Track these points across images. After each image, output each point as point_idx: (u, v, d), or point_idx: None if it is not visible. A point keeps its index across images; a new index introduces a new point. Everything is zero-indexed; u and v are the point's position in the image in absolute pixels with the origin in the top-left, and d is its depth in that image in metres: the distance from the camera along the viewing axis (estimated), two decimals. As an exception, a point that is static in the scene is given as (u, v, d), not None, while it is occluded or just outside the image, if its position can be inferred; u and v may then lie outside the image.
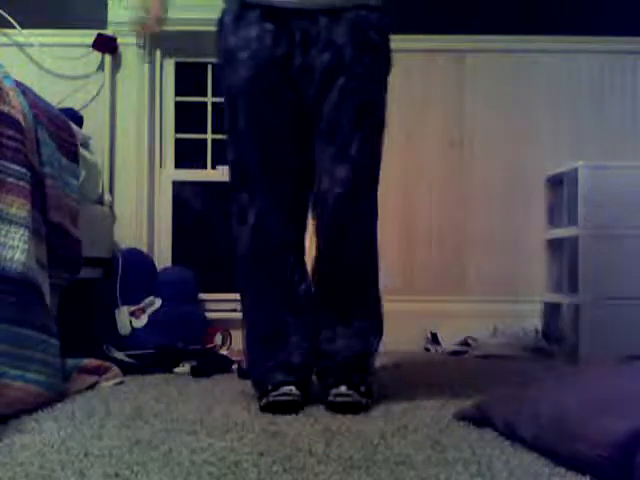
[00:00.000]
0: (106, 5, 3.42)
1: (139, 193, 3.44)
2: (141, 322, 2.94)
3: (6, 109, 2.00)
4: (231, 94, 1.96)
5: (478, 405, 1.65)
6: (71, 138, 2.58)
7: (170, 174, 3.58)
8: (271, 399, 1.82)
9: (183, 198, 3.66)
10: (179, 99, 3.61)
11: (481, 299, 3.41)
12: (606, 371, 1.75)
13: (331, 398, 1.85)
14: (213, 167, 3.61)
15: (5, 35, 3.37)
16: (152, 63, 3.48)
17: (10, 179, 1.93)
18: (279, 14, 1.90)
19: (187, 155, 3.64)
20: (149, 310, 2.98)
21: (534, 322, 3.33)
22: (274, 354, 1.95)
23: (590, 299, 2.92)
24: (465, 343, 3.25)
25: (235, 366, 2.56)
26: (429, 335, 3.34)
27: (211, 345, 3.09)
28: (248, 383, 2.05)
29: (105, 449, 1.39)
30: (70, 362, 2.13)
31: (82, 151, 2.78)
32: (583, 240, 2.96)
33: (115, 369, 2.32)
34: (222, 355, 2.84)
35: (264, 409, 1.81)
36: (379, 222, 2.00)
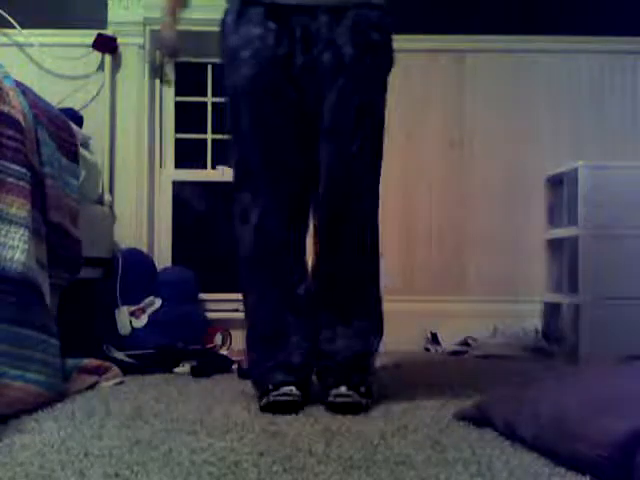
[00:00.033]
0: (106, 5, 3.42)
1: (139, 193, 3.44)
2: (141, 322, 2.94)
3: (6, 109, 2.00)
4: (233, 94, 1.96)
5: (478, 405, 1.65)
6: (71, 138, 2.58)
7: (170, 174, 3.58)
8: (271, 399, 1.82)
9: (183, 198, 3.66)
10: (179, 99, 3.61)
11: (481, 299, 3.41)
12: (606, 371, 1.75)
13: (331, 399, 1.85)
14: (213, 167, 3.61)
15: (5, 35, 3.37)
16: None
17: (10, 179, 1.93)
18: (281, 12, 1.90)
19: (187, 155, 3.64)
20: (149, 310, 2.98)
21: (534, 322, 3.33)
22: (274, 354, 1.95)
23: (590, 299, 2.92)
24: (465, 343, 3.25)
25: (235, 366, 2.56)
26: (429, 335, 3.34)
27: (211, 345, 3.09)
28: (248, 383, 2.05)
29: (105, 449, 1.39)
30: (70, 362, 2.13)
31: (82, 151, 2.78)
32: (583, 240, 2.96)
33: (115, 369, 2.32)
34: (222, 355, 2.84)
35: (264, 409, 1.81)
36: (379, 222, 2.00)
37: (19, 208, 1.93)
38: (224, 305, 3.23)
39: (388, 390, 2.06)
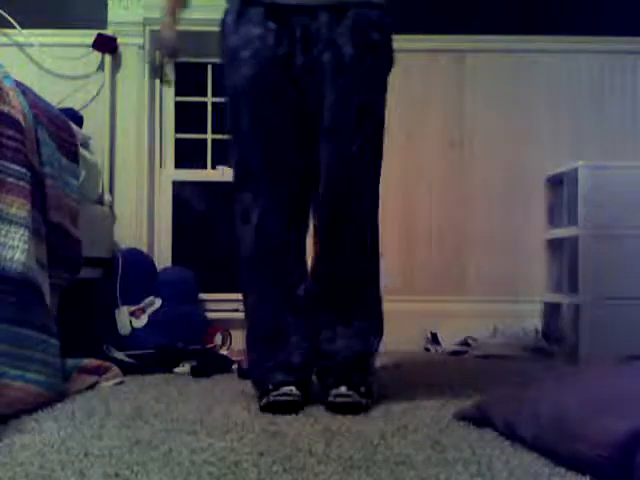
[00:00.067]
0: (106, 5, 3.42)
1: (139, 193, 3.44)
2: (141, 322, 2.94)
3: (6, 109, 2.00)
4: (233, 94, 1.96)
5: (478, 405, 1.65)
6: (71, 138, 2.58)
7: (170, 174, 3.58)
8: (271, 399, 1.82)
9: (183, 198, 3.66)
10: (179, 99, 3.61)
11: (481, 299, 3.41)
12: (606, 371, 1.75)
13: (331, 399, 1.84)
14: (213, 167, 3.61)
15: (5, 35, 3.37)
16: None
17: (10, 179, 1.93)
18: (281, 12, 1.90)
19: (187, 155, 3.64)
20: (149, 310, 2.98)
21: (534, 322, 3.33)
22: (274, 354, 1.95)
23: (590, 299, 2.92)
24: (465, 343, 3.25)
25: (235, 366, 2.56)
26: (429, 335, 3.34)
27: (211, 345, 3.09)
28: (248, 383, 2.05)
29: (105, 449, 1.39)
30: (70, 362, 2.13)
31: (82, 151, 2.78)
32: (583, 240, 2.96)
33: (115, 369, 2.32)
34: (222, 355, 2.84)
35: (264, 409, 1.81)
36: (379, 222, 2.00)
37: (19, 208, 1.93)
38: (224, 305, 3.23)
39: (388, 390, 2.06)
